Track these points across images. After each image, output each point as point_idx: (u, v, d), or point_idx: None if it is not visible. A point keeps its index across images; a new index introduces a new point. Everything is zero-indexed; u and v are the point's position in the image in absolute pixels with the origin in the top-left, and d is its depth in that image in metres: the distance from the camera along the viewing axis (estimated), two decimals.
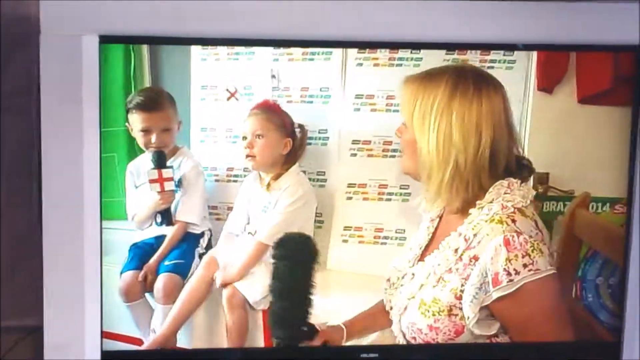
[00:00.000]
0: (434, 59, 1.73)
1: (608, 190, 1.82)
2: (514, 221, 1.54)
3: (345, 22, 1.70)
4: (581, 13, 1.72)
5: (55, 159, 1.63)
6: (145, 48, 1.77)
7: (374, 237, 1.85)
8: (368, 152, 1.81)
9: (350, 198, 1.85)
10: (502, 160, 1.58)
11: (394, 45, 1.74)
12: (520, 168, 1.63)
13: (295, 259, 1.70)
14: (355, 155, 1.82)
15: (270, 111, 1.78)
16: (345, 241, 1.86)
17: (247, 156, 1.79)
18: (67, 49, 1.61)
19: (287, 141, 1.80)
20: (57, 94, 1.62)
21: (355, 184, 1.84)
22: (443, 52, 1.74)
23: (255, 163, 1.81)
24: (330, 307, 1.77)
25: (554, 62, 1.76)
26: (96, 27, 1.63)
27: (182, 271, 1.81)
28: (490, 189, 1.58)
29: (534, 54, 1.76)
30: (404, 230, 1.82)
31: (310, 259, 1.72)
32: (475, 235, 1.56)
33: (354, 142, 1.82)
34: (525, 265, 1.52)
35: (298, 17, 1.68)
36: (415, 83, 1.59)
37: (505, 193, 1.57)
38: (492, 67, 1.75)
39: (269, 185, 1.81)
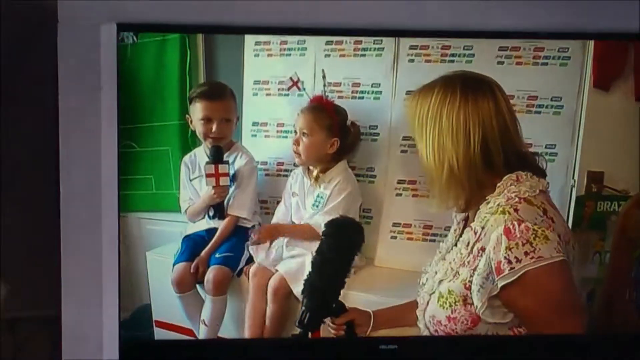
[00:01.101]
0: (486, 56, 1.73)
1: None
2: (516, 210, 1.57)
3: (398, 12, 1.69)
4: None
5: (73, 149, 1.62)
6: (200, 44, 1.80)
7: (423, 234, 1.85)
8: None
9: (399, 194, 1.84)
10: (497, 158, 1.61)
11: (444, 34, 1.73)
12: (522, 163, 1.64)
13: (342, 240, 1.72)
14: (405, 151, 1.82)
15: (320, 110, 1.79)
16: (393, 237, 1.86)
17: (294, 152, 1.82)
18: (85, 38, 1.60)
19: (334, 141, 1.81)
20: (75, 83, 1.61)
21: (405, 181, 1.84)
22: (495, 47, 1.73)
23: (299, 160, 1.83)
24: (375, 303, 1.78)
25: (611, 58, 1.72)
26: (114, 15, 1.63)
27: (232, 264, 1.84)
28: (499, 183, 1.62)
29: (590, 49, 1.72)
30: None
31: (355, 244, 1.74)
32: (482, 228, 1.60)
33: (405, 138, 1.81)
34: (526, 253, 1.54)
35: (350, 7, 1.67)
36: (415, 98, 1.66)
37: (511, 185, 1.61)
38: (546, 64, 1.73)
39: (317, 178, 1.83)
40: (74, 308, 1.62)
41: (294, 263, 1.83)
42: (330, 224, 1.74)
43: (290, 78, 1.81)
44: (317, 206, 1.83)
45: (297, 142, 1.81)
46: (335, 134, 1.81)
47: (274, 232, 1.85)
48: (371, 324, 1.77)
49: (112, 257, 1.66)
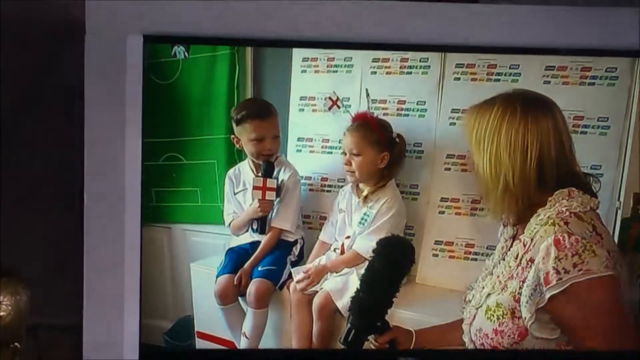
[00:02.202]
0: (532, 75, 1.72)
1: None
2: (566, 223, 1.58)
3: (443, 28, 1.69)
4: None
5: (97, 159, 1.62)
6: (249, 61, 1.82)
7: (465, 253, 1.84)
8: (462, 167, 1.80)
9: (442, 212, 1.84)
10: (550, 176, 1.63)
11: (488, 50, 1.73)
12: (574, 182, 1.64)
13: (393, 259, 1.72)
14: (449, 169, 1.82)
15: (365, 127, 1.80)
16: (435, 255, 1.86)
17: (347, 172, 1.83)
18: (111, 50, 1.60)
19: (384, 155, 1.82)
20: (101, 94, 1.61)
21: (448, 199, 1.84)
22: (542, 67, 1.72)
23: (354, 178, 1.84)
24: (415, 321, 1.77)
25: None
26: (141, 27, 1.63)
27: (274, 277, 1.85)
28: (551, 198, 1.63)
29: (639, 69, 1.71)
30: (494, 247, 1.78)
31: (406, 264, 1.74)
32: (532, 239, 1.61)
33: (449, 156, 1.82)
34: (575, 265, 1.54)
35: (396, 22, 1.68)
36: (474, 112, 1.68)
37: (562, 199, 1.62)
38: (593, 84, 1.72)
39: (365, 198, 1.84)
40: (95, 315, 1.63)
41: (339, 280, 1.83)
42: (382, 242, 1.74)
43: (329, 98, 1.83)
44: (363, 224, 1.83)
45: (348, 163, 1.82)
46: (384, 148, 1.82)
47: (324, 272, 1.85)
48: (413, 343, 1.76)
49: (134, 265, 1.66)
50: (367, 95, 1.81)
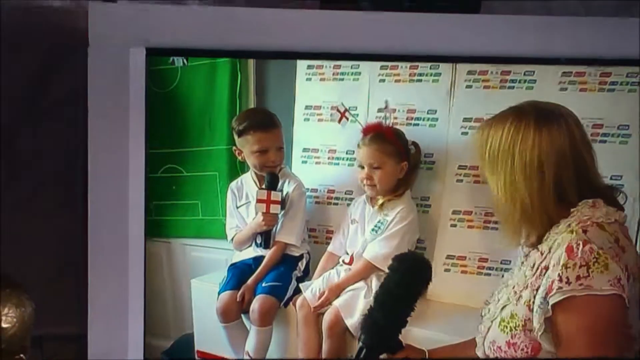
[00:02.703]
0: (548, 82, 1.66)
1: None
2: (585, 231, 1.49)
3: (455, 37, 1.63)
4: None
5: (101, 169, 1.60)
6: (251, 68, 1.77)
7: (478, 268, 1.77)
8: (475, 178, 1.74)
9: (454, 225, 1.78)
10: (571, 193, 1.53)
11: (503, 60, 1.67)
12: (598, 197, 1.55)
13: (410, 277, 1.63)
14: (461, 181, 1.75)
15: (382, 139, 1.74)
16: (447, 270, 1.79)
17: (367, 185, 1.77)
18: (114, 61, 1.59)
19: (403, 165, 1.76)
20: (103, 105, 1.60)
21: (460, 211, 1.77)
22: (559, 73, 1.66)
23: (374, 192, 1.78)
24: (427, 339, 1.71)
25: None
26: (143, 38, 1.59)
27: (279, 294, 1.78)
28: (574, 209, 1.53)
29: None
30: (510, 262, 1.72)
31: (422, 283, 1.65)
32: (550, 248, 1.53)
33: (461, 167, 1.75)
34: (578, 277, 1.45)
35: (405, 32, 1.62)
36: (484, 131, 1.59)
37: (586, 209, 1.53)
38: (613, 90, 1.65)
39: (381, 205, 1.78)
40: (100, 326, 1.62)
41: (348, 296, 1.76)
42: (398, 259, 1.66)
43: (337, 109, 1.78)
44: (377, 231, 1.77)
45: (369, 177, 1.76)
46: (402, 158, 1.76)
47: (339, 289, 1.78)
48: None
49: (139, 276, 1.64)
50: (386, 106, 1.75)
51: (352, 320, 1.74)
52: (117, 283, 1.62)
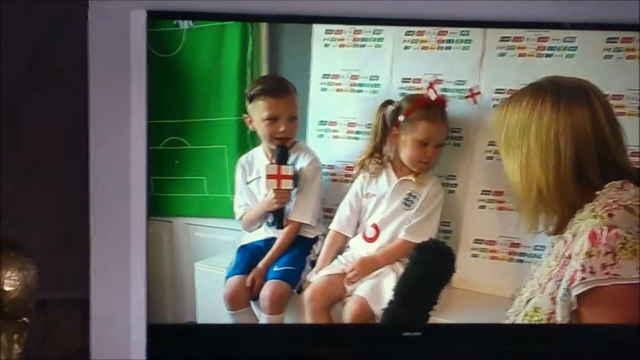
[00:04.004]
0: (592, 49, 1.55)
1: None
2: (610, 215, 1.42)
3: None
4: None
5: (103, 134, 1.59)
6: (264, 32, 1.65)
7: (509, 253, 1.66)
8: None
9: (483, 207, 1.67)
10: (593, 174, 1.47)
11: (541, 25, 1.57)
12: (625, 178, 1.48)
13: (432, 269, 1.59)
14: (491, 158, 1.64)
15: (443, 113, 1.62)
16: (474, 256, 1.68)
17: (420, 162, 1.65)
18: (115, 24, 1.57)
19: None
20: (105, 69, 1.58)
21: (490, 191, 1.66)
22: (603, 39, 1.54)
23: (424, 167, 1.66)
24: None
25: None
26: (144, 1, 1.57)
27: (292, 279, 1.67)
28: (599, 192, 1.47)
29: None
30: (544, 247, 1.60)
31: (446, 275, 1.60)
32: (574, 236, 1.46)
33: (491, 143, 1.63)
34: (603, 266, 1.39)
35: None
36: (502, 110, 1.53)
37: (612, 191, 1.46)
38: None
39: (416, 180, 1.67)
40: (103, 290, 1.61)
41: (372, 284, 1.64)
42: (420, 249, 1.60)
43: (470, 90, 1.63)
44: (409, 205, 1.65)
45: (433, 155, 1.64)
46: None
47: (371, 264, 1.66)
48: None
49: (140, 240, 1.61)
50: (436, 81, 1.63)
51: (379, 306, 1.62)
52: (120, 247, 1.60)
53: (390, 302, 1.58)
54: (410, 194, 1.66)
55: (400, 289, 1.59)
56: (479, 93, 1.62)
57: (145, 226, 1.61)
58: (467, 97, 1.63)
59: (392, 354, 1.66)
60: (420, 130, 1.62)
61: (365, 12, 1.59)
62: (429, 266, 1.59)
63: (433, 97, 1.60)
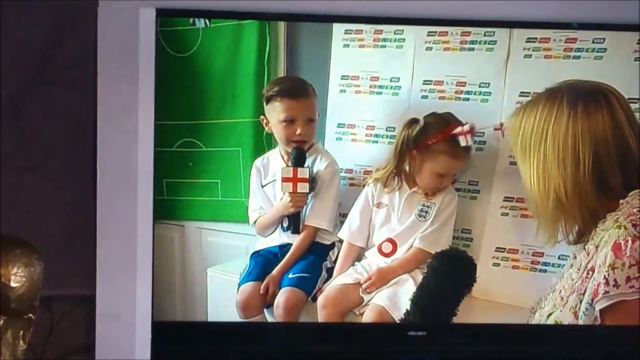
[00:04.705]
0: (621, 51, 1.50)
1: None
2: (635, 225, 1.39)
3: (512, 4, 1.54)
4: None
5: (110, 131, 1.57)
6: (282, 32, 1.61)
7: (532, 263, 1.61)
8: None
9: (505, 214, 1.62)
10: (614, 180, 1.44)
11: (567, 26, 1.52)
12: None
13: (452, 278, 1.54)
14: (515, 163, 1.56)
15: (467, 150, 1.57)
16: (496, 265, 1.63)
17: (434, 188, 1.60)
18: (124, 22, 1.55)
19: None
20: (113, 66, 1.56)
21: (512, 198, 1.61)
22: (634, 40, 1.50)
23: (435, 193, 1.62)
24: None
25: None
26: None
27: (307, 286, 1.62)
28: (623, 200, 1.43)
29: None
30: (567, 257, 1.56)
31: (466, 285, 1.56)
32: (597, 247, 1.42)
33: None
34: (628, 279, 1.36)
35: None
36: (518, 116, 1.50)
37: (638, 200, 1.42)
38: None
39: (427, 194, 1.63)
40: (108, 287, 1.61)
41: (390, 292, 1.60)
42: (440, 258, 1.55)
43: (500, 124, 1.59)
44: (425, 217, 1.61)
45: (446, 184, 1.60)
46: None
47: (388, 274, 1.62)
48: None
49: (147, 238, 1.59)
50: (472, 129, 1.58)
51: (399, 312, 1.58)
52: (126, 244, 1.59)
53: (407, 313, 1.54)
54: (423, 206, 1.61)
55: (418, 300, 1.54)
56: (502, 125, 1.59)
57: (152, 223, 1.60)
58: (495, 129, 1.57)
59: (397, 352, 1.64)
60: (440, 163, 1.58)
61: (386, 12, 1.56)
62: (448, 277, 1.55)
63: (463, 144, 1.55)
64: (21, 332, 1.23)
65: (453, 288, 1.55)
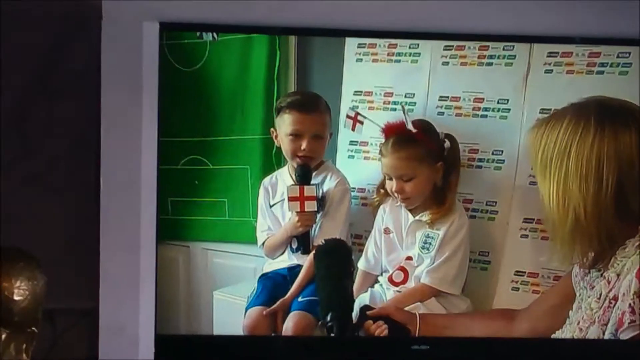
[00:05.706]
0: None
1: None
2: None
3: (533, 14, 1.50)
4: None
5: (114, 143, 1.57)
6: (292, 46, 1.57)
7: None
8: None
9: (525, 236, 1.56)
10: (635, 205, 1.40)
11: (591, 41, 1.48)
12: None
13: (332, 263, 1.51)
14: (535, 183, 1.51)
15: (408, 142, 1.51)
16: (515, 289, 1.57)
17: (401, 199, 1.54)
18: (127, 36, 1.54)
19: (439, 166, 1.54)
20: (117, 80, 1.55)
21: (532, 219, 1.55)
22: None
23: (410, 204, 1.55)
24: None
25: None
26: (159, 11, 1.53)
27: (317, 310, 1.55)
28: None
29: None
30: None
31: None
32: (618, 275, 1.39)
33: None
34: None
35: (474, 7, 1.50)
36: (540, 130, 1.46)
37: None
38: None
39: (431, 223, 1.55)
40: (111, 301, 1.61)
41: None
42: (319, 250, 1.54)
43: (347, 115, 1.57)
44: (428, 249, 1.55)
45: (401, 190, 1.53)
46: (437, 157, 1.53)
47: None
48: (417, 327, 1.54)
49: (150, 252, 1.58)
50: (404, 111, 1.52)
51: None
52: (129, 257, 1.58)
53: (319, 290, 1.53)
54: (427, 237, 1.55)
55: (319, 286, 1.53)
56: (357, 115, 1.56)
57: (156, 235, 1.58)
58: (353, 126, 1.56)
59: None
60: (383, 164, 1.54)
61: (401, 26, 1.52)
62: (328, 262, 1.52)
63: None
64: (24, 345, 1.24)
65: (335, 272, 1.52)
